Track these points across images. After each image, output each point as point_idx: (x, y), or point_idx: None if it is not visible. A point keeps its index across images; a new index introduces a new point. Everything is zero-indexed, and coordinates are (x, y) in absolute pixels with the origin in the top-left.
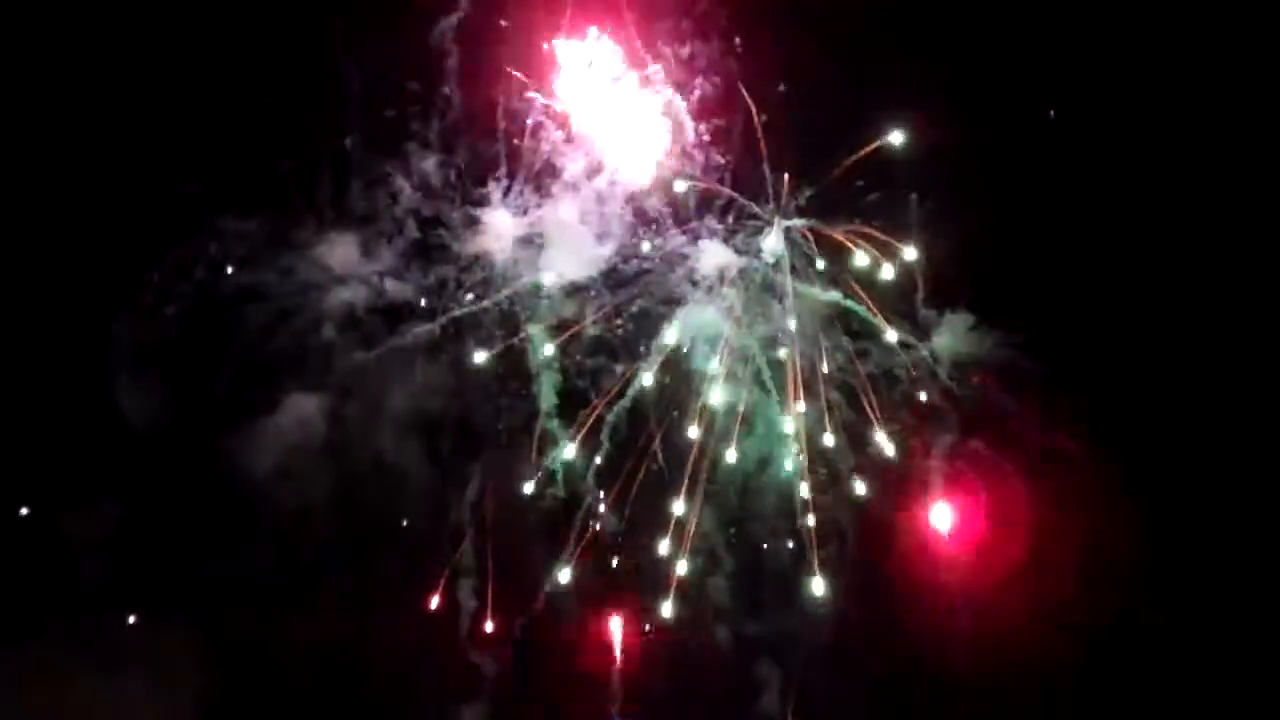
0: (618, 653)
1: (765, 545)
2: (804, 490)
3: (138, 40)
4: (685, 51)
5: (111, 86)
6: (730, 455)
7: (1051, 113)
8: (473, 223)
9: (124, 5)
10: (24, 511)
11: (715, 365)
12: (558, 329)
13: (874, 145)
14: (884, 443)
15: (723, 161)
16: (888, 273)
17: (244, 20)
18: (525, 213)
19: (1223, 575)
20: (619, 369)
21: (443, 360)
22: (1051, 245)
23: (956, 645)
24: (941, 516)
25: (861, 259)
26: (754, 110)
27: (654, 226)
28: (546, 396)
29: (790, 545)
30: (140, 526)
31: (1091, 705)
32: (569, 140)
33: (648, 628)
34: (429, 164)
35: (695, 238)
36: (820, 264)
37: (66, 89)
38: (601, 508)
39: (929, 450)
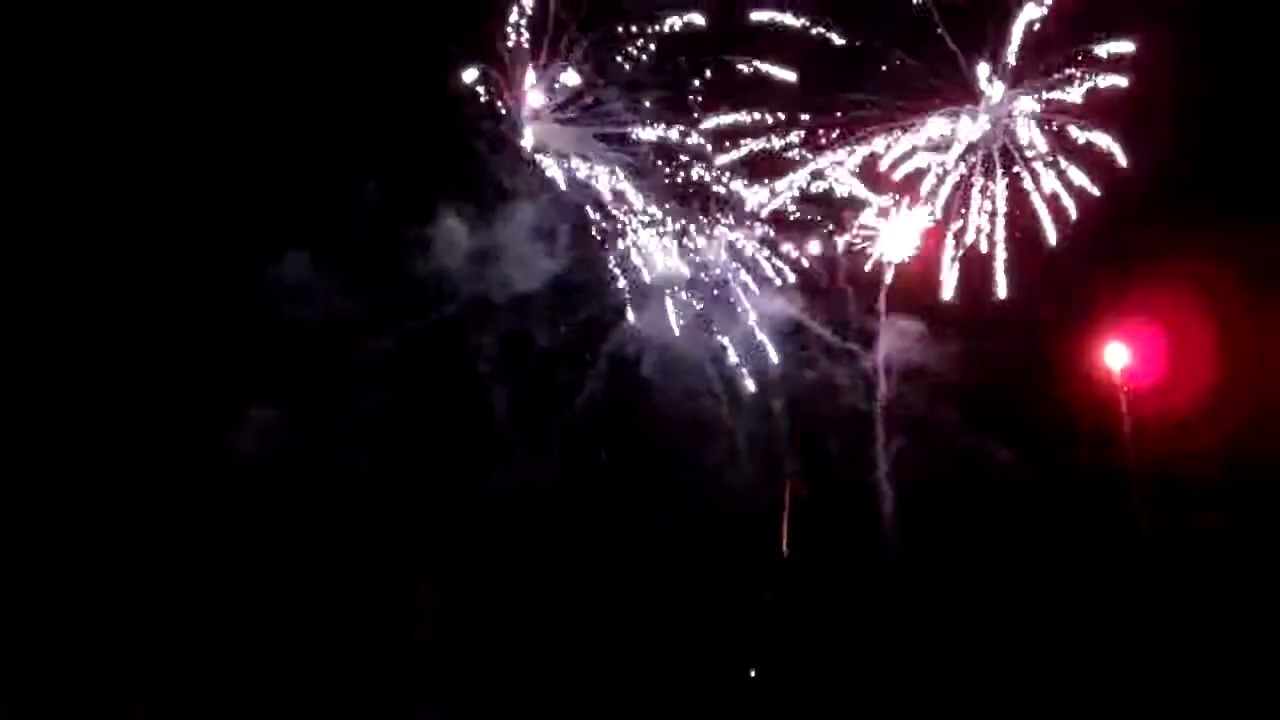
0: None
1: None
2: None
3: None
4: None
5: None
6: None
7: None
8: (424, 240)
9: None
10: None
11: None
12: (508, 340)
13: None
14: None
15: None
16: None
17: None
18: (475, 229)
19: None
20: (568, 376)
21: (398, 373)
22: None
23: None
24: None
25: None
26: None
27: (603, 238)
28: (499, 405)
29: None
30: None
31: None
32: (519, 158)
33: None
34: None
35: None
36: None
37: None
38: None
39: None
